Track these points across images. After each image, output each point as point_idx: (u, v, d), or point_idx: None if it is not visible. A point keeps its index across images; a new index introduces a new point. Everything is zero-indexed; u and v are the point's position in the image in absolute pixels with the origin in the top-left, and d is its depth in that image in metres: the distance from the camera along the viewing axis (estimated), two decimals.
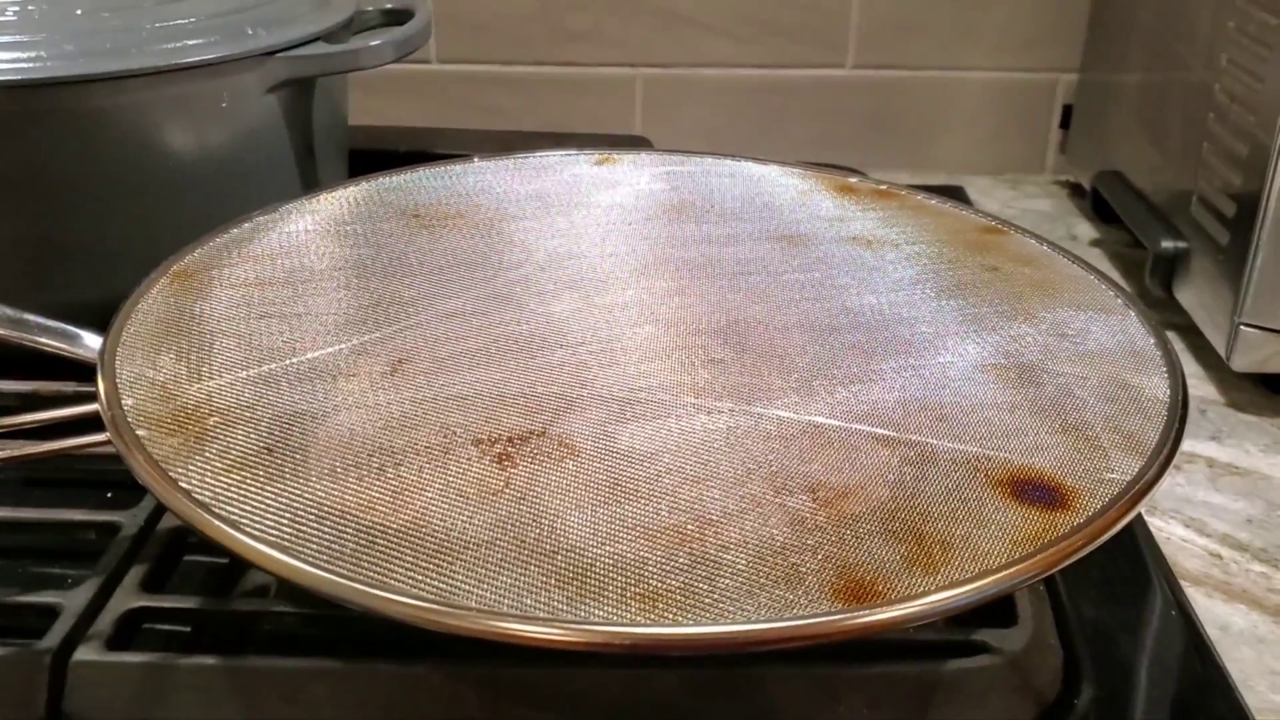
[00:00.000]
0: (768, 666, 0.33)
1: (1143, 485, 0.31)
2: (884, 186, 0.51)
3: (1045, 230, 0.72)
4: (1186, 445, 0.51)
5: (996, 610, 0.36)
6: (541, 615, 0.27)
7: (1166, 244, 0.58)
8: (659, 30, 0.78)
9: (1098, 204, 0.70)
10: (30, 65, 0.44)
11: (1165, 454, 0.32)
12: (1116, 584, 0.41)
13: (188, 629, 0.37)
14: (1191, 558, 0.44)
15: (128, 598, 0.36)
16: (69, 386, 0.42)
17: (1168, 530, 0.45)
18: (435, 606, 0.27)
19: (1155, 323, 0.40)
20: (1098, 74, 0.73)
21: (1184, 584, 0.42)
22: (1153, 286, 0.59)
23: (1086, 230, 0.72)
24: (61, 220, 0.47)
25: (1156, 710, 0.36)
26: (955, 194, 0.74)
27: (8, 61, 0.44)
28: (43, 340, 0.38)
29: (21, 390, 0.44)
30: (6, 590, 0.37)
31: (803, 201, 0.49)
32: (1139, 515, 0.44)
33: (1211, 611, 0.41)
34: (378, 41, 0.51)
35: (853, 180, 0.52)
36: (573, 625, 0.26)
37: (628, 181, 0.51)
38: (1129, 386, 0.36)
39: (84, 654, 0.34)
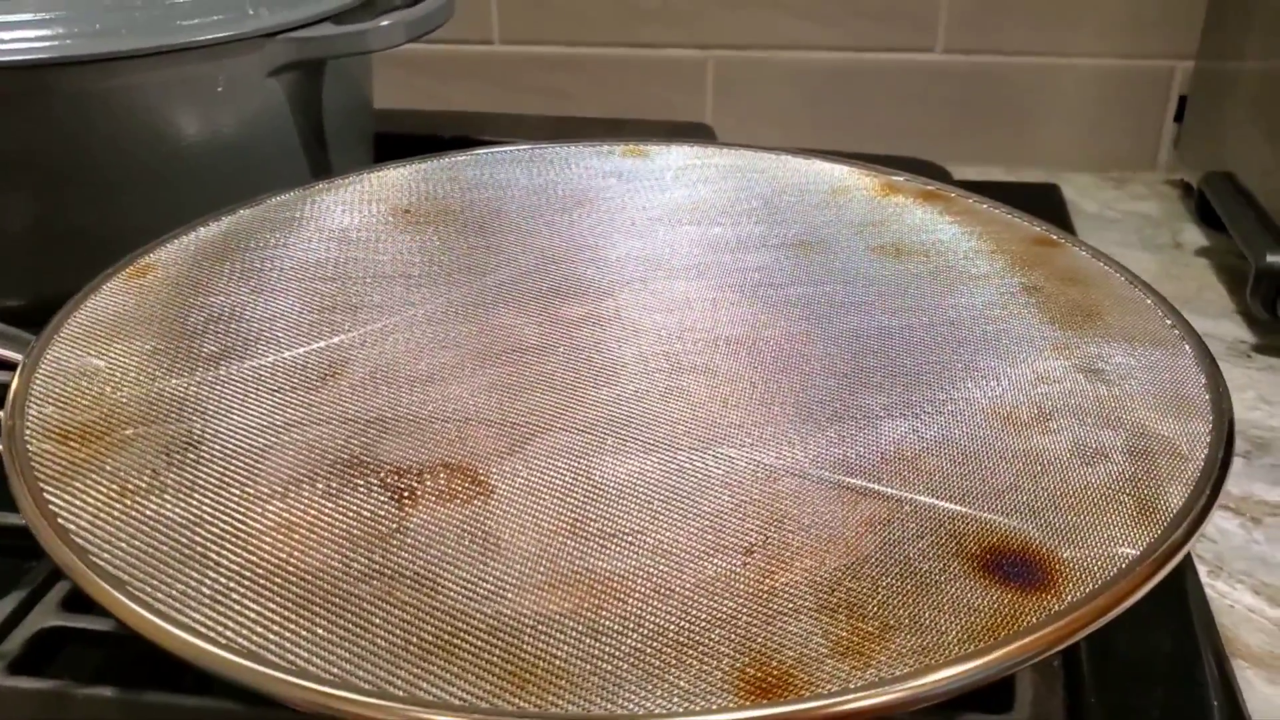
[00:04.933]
0: None
1: (1144, 570, 0.26)
2: (932, 187, 0.46)
3: (1148, 236, 0.65)
4: (1272, 495, 0.45)
5: (989, 689, 0.31)
6: (398, 693, 0.23)
7: (1274, 258, 0.51)
8: (732, 9, 0.73)
9: (1204, 209, 0.63)
10: (15, 46, 0.43)
11: (1182, 532, 0.27)
12: (1155, 660, 0.35)
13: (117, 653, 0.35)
14: (1257, 632, 0.38)
15: (44, 616, 0.34)
16: None
17: (1233, 596, 0.39)
18: (268, 672, 0.24)
19: (1212, 361, 0.34)
20: (1216, 61, 0.66)
21: (1240, 664, 0.36)
22: (1254, 306, 0.52)
23: (1194, 237, 0.65)
24: (52, 208, 0.46)
25: None
26: (1049, 194, 0.68)
27: None
28: None
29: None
30: None
31: (834, 202, 0.45)
32: (1195, 576, 0.39)
33: (1273, 701, 0.35)
34: (388, 22, 0.48)
35: (899, 179, 0.47)
36: (401, 710, 0.23)
37: (644, 176, 0.47)
38: (1163, 439, 0.31)
39: None
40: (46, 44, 0.43)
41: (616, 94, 0.76)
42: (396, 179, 0.46)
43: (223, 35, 0.45)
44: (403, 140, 0.60)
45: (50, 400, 0.32)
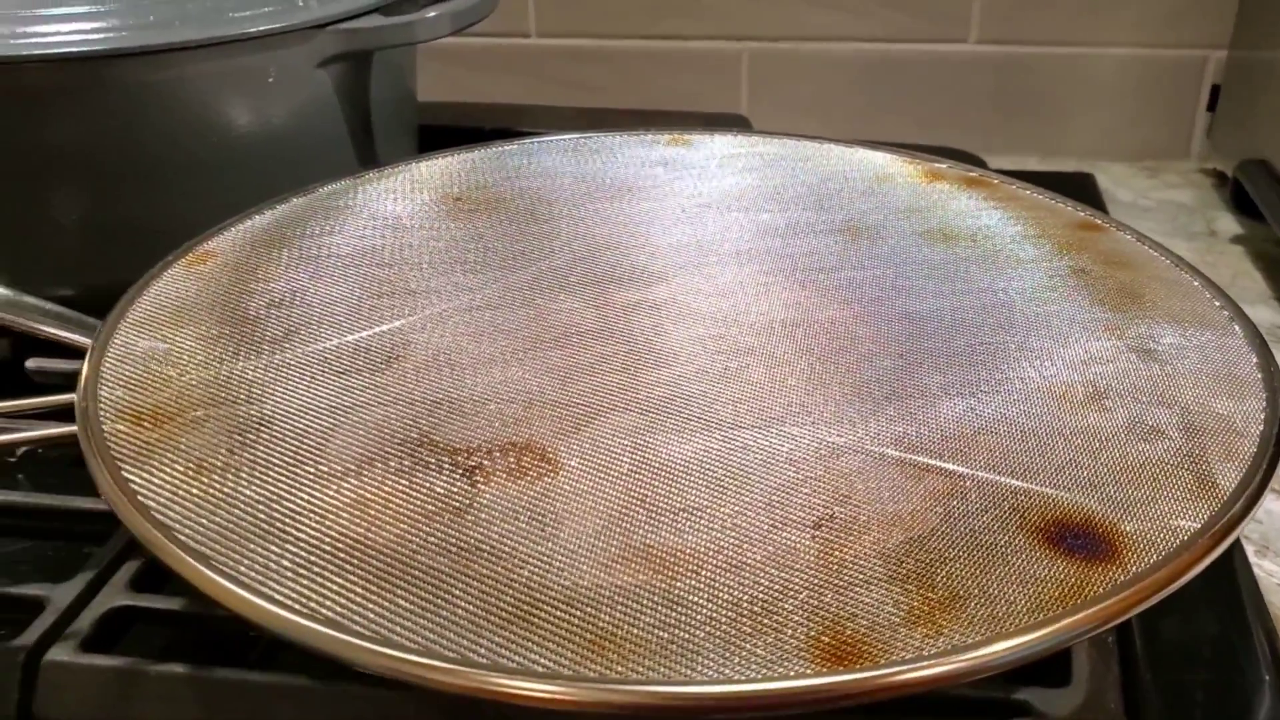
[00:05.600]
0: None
1: (1207, 540, 0.26)
2: (974, 174, 0.46)
3: (1182, 224, 0.66)
4: None
5: (1047, 663, 0.32)
6: (481, 661, 0.24)
7: None
8: (767, 2, 0.74)
9: (1239, 196, 0.63)
10: (72, 38, 0.43)
11: (1240, 506, 0.27)
12: (1206, 639, 0.35)
13: (184, 632, 0.35)
14: None
15: (113, 595, 0.34)
16: None
17: None
18: (359, 642, 0.24)
19: (1262, 342, 0.34)
20: (1249, 50, 0.66)
21: None
22: None
23: (1229, 225, 0.65)
24: (105, 199, 0.46)
25: None
26: (1083, 182, 0.68)
27: (50, 35, 0.43)
28: (36, 325, 0.36)
29: (70, 369, 0.43)
30: (6, 579, 0.36)
31: (878, 189, 0.45)
32: (1243, 555, 0.39)
33: None
34: (434, 14, 0.49)
35: (942, 165, 0.47)
36: (480, 675, 0.23)
37: (690, 164, 0.47)
38: (1218, 417, 0.31)
39: (57, 654, 0.32)
40: (101, 36, 0.44)
41: (652, 87, 0.76)
42: (445, 168, 0.47)
43: (274, 27, 0.45)
44: (443, 131, 0.61)
45: (120, 383, 0.33)
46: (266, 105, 0.47)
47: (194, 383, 0.33)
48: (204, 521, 0.28)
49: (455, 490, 0.29)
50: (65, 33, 0.43)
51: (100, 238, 0.47)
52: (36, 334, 0.36)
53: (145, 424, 0.31)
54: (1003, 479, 0.29)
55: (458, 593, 0.25)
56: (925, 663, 0.23)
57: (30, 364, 0.42)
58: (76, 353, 0.39)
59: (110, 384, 0.33)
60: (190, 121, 0.46)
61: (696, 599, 0.25)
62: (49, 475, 0.43)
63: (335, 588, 0.26)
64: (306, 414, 0.32)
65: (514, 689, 0.23)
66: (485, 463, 0.29)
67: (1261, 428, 0.30)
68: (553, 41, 0.76)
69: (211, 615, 0.35)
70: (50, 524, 0.41)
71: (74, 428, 0.32)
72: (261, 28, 0.45)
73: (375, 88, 0.51)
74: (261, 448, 0.30)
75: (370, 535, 0.27)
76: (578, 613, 0.25)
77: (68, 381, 0.41)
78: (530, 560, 0.26)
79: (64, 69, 0.44)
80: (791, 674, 0.23)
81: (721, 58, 0.76)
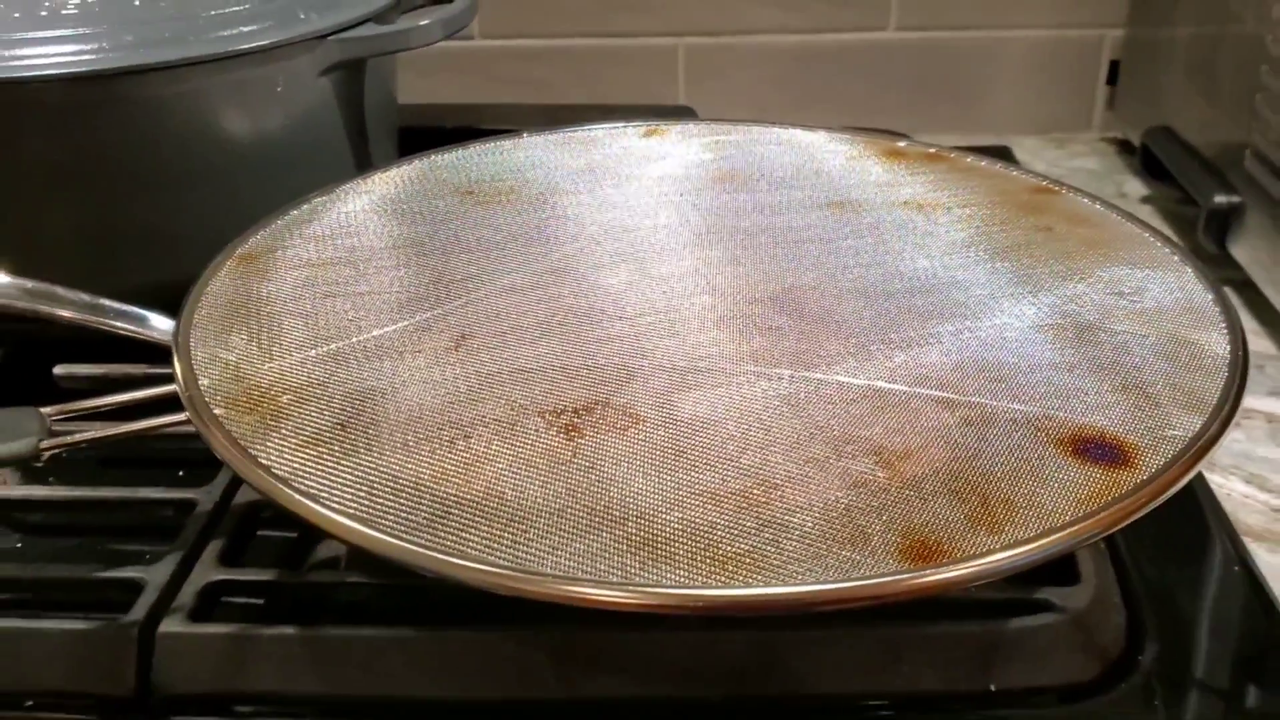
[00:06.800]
0: (831, 628, 0.33)
1: (1205, 441, 0.31)
2: (933, 150, 0.51)
3: (1094, 189, 0.71)
4: (1245, 401, 0.51)
5: (1058, 569, 0.37)
6: (616, 580, 0.28)
7: (1220, 199, 0.58)
8: None
9: (1148, 160, 0.69)
10: (90, 57, 0.45)
11: (1227, 410, 0.33)
12: (1177, 541, 0.41)
13: (262, 601, 0.38)
14: (1253, 513, 0.44)
15: (207, 571, 0.37)
16: (139, 369, 0.43)
17: (1228, 486, 0.45)
18: (514, 573, 0.28)
19: (1213, 278, 0.40)
20: (1145, 28, 0.73)
21: (1246, 540, 0.42)
22: (1206, 242, 0.58)
23: (1136, 187, 0.72)
24: (124, 207, 0.48)
25: (1221, 666, 0.36)
26: (1002, 154, 0.74)
27: (68, 54, 0.45)
28: (118, 324, 0.39)
29: (93, 373, 0.45)
30: (89, 566, 0.39)
31: (852, 167, 0.50)
32: (1199, 472, 0.45)
33: (1275, 567, 0.41)
34: (426, 21, 0.52)
35: (901, 144, 0.52)
36: (647, 589, 0.27)
37: (677, 153, 0.51)
38: (1188, 343, 0.36)
39: (169, 626, 0.35)
40: (120, 54, 0.46)
41: (593, 82, 0.80)
42: (449, 164, 0.50)
43: (283, 38, 0.48)
44: (409, 132, 0.64)
45: (208, 375, 0.36)
46: (275, 113, 0.50)
47: (276, 371, 0.36)
48: (336, 486, 0.31)
49: (556, 445, 0.32)
50: (87, 51, 0.45)
51: (120, 245, 0.49)
52: (115, 333, 0.39)
53: (246, 409, 0.34)
54: (1021, 406, 0.34)
55: (585, 527, 0.29)
56: (1008, 552, 0.27)
57: (58, 370, 0.44)
58: (100, 357, 0.42)
59: (201, 376, 0.36)
60: (203, 131, 0.48)
61: (787, 519, 0.29)
62: (77, 475, 0.45)
63: (479, 537, 0.29)
64: (396, 391, 0.35)
65: (687, 599, 0.27)
66: (576, 420, 0.33)
67: (1228, 348, 0.36)
68: (495, 43, 0.79)
69: (295, 583, 0.38)
70: (91, 520, 0.44)
71: (180, 416, 0.35)
72: (272, 40, 0.48)
73: (367, 94, 0.54)
74: (366, 423, 0.33)
75: (495, 489, 0.30)
76: (694, 538, 0.29)
77: (94, 385, 0.44)
78: (642, 497, 0.30)
79: (87, 85, 0.45)
80: (887, 571, 0.28)
81: (659, 52, 0.80)
